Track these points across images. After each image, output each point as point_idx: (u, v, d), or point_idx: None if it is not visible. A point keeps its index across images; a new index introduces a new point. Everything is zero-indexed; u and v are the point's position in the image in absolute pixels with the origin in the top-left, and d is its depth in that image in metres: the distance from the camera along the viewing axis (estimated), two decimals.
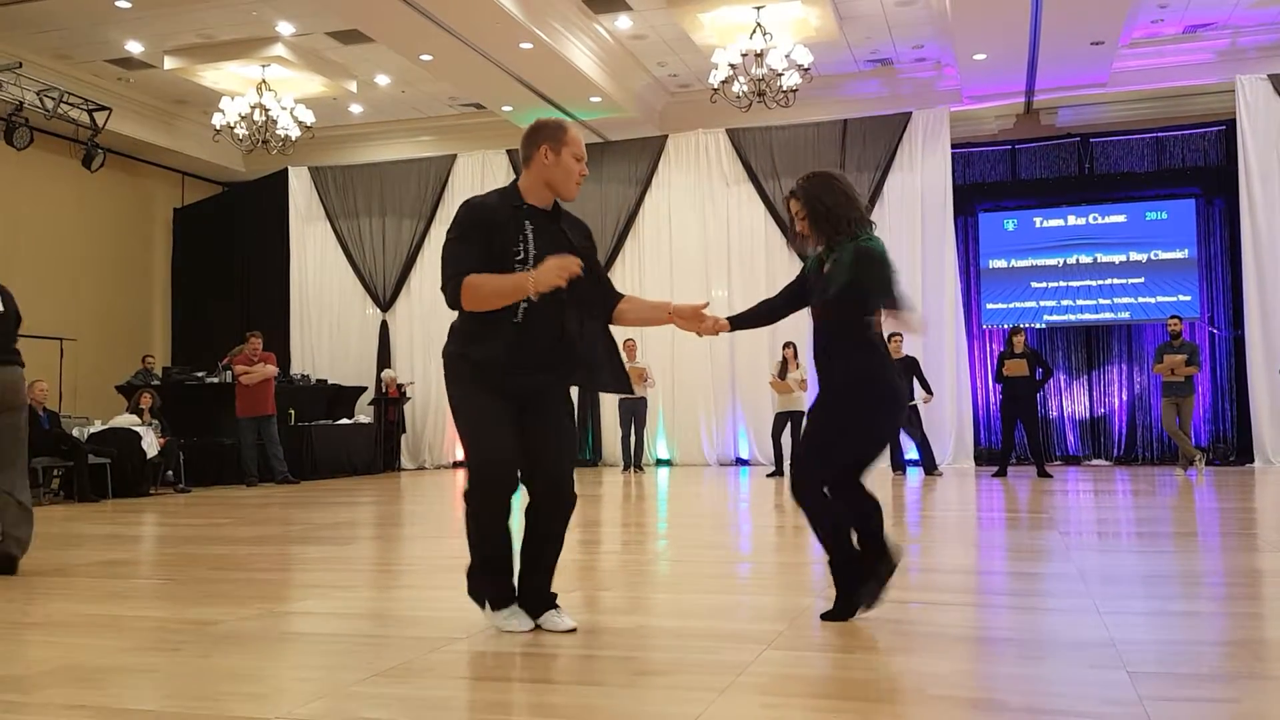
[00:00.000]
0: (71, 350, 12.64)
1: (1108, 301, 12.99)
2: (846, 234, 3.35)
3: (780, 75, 10.42)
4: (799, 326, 13.57)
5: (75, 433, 10.07)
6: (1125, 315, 12.97)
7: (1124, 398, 13.01)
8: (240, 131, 12.01)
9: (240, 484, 11.04)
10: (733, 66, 10.48)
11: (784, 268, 12.71)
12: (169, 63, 11.99)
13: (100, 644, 3.26)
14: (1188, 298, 12.63)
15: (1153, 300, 12.78)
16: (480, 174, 14.45)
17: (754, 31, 10.40)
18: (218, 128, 12.04)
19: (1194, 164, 12.82)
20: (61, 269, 13.55)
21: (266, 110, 11.94)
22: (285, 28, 11.31)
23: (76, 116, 11.88)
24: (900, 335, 11.20)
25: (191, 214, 15.61)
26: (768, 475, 11.14)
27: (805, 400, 11.54)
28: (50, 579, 4.74)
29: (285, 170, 14.96)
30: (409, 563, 5.34)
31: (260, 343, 11.49)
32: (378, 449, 13.64)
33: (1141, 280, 12.87)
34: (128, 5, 10.56)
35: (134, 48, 11.78)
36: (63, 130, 12.34)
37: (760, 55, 10.37)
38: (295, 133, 12.19)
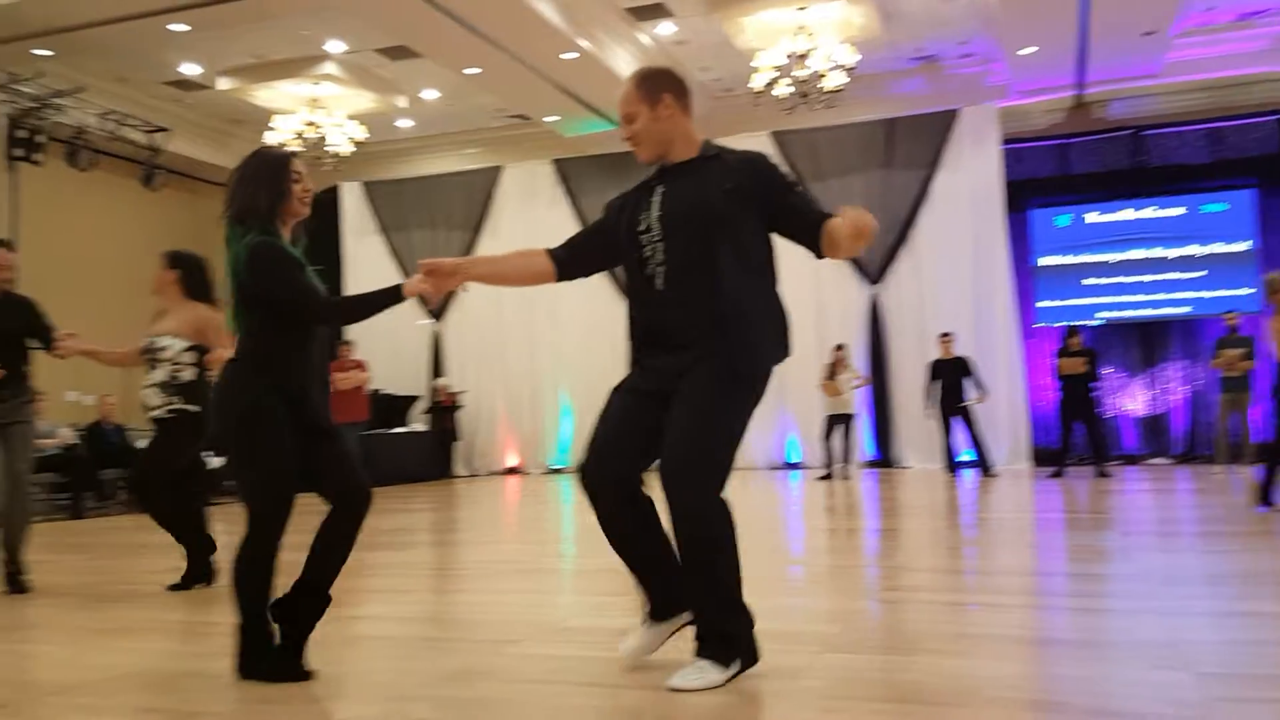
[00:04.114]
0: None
1: (1166, 296, 12.74)
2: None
3: (824, 76, 10.38)
4: (849, 327, 13.35)
5: (141, 446, 10.33)
6: (1186, 310, 12.72)
7: (1184, 395, 12.73)
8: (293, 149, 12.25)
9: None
10: (776, 69, 10.47)
11: (830, 266, 12.58)
12: (223, 83, 12.28)
13: (171, 649, 3.37)
14: (1250, 290, 12.33)
15: (1213, 294, 12.51)
16: (527, 185, 14.58)
17: (797, 32, 10.38)
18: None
19: (1251, 154, 12.51)
20: (124, 286, 13.90)
21: (318, 127, 12.18)
22: (335, 45, 11.53)
23: (136, 138, 12.21)
24: (951, 335, 11.09)
25: None
26: (819, 478, 11.08)
27: (855, 402, 11.47)
28: (120, 587, 4.89)
29: (336, 186, 15.23)
30: (468, 567, 5.41)
31: (351, 351, 11.73)
32: (433, 456, 13.83)
33: (1204, 274, 12.60)
34: (184, 29, 10.84)
35: (189, 70, 12.09)
36: (123, 151, 12.68)
37: (803, 56, 10.34)
38: (346, 148, 12.41)
